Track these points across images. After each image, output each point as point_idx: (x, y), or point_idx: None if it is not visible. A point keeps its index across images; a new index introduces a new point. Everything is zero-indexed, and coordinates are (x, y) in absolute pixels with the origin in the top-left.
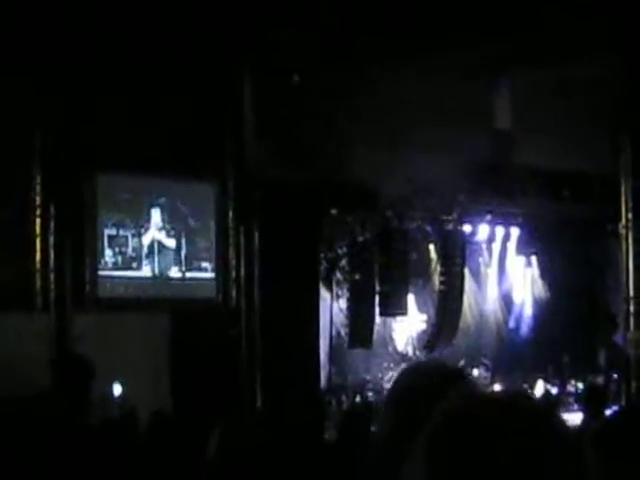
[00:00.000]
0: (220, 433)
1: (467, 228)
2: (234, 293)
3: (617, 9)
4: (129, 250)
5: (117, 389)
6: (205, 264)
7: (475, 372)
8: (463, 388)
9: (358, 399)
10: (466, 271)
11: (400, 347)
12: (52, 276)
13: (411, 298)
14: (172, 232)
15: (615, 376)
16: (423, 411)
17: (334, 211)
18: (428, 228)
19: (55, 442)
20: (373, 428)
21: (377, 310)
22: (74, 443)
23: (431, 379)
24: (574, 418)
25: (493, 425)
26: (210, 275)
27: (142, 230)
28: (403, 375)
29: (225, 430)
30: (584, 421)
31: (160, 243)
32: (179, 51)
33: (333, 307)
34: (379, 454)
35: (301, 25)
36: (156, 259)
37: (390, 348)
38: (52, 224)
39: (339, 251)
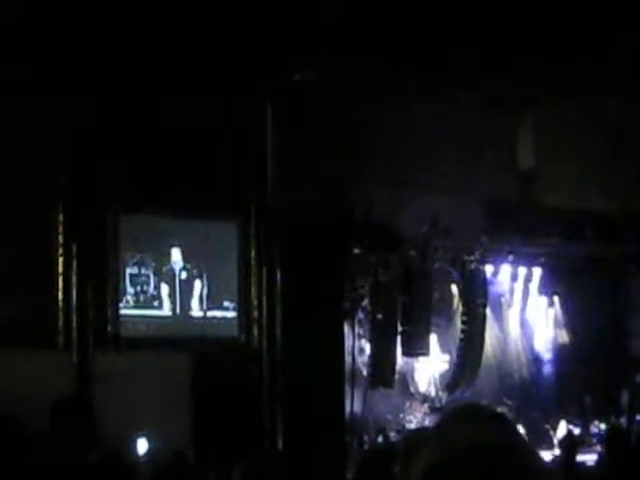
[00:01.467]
0: (242, 473)
1: (489, 268)
2: (256, 332)
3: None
4: (151, 289)
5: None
6: (227, 303)
7: None
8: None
9: (380, 439)
10: (488, 311)
11: (422, 388)
12: (74, 315)
13: (433, 338)
14: (194, 271)
15: (638, 417)
16: None
17: (357, 250)
18: (450, 268)
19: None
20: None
21: (399, 350)
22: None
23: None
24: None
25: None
26: (232, 314)
27: (164, 269)
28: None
29: (246, 470)
30: (604, 463)
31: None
32: (202, 89)
33: (355, 347)
34: None
35: (326, 64)
36: (177, 298)
37: (412, 388)
38: (74, 263)
39: (361, 290)
